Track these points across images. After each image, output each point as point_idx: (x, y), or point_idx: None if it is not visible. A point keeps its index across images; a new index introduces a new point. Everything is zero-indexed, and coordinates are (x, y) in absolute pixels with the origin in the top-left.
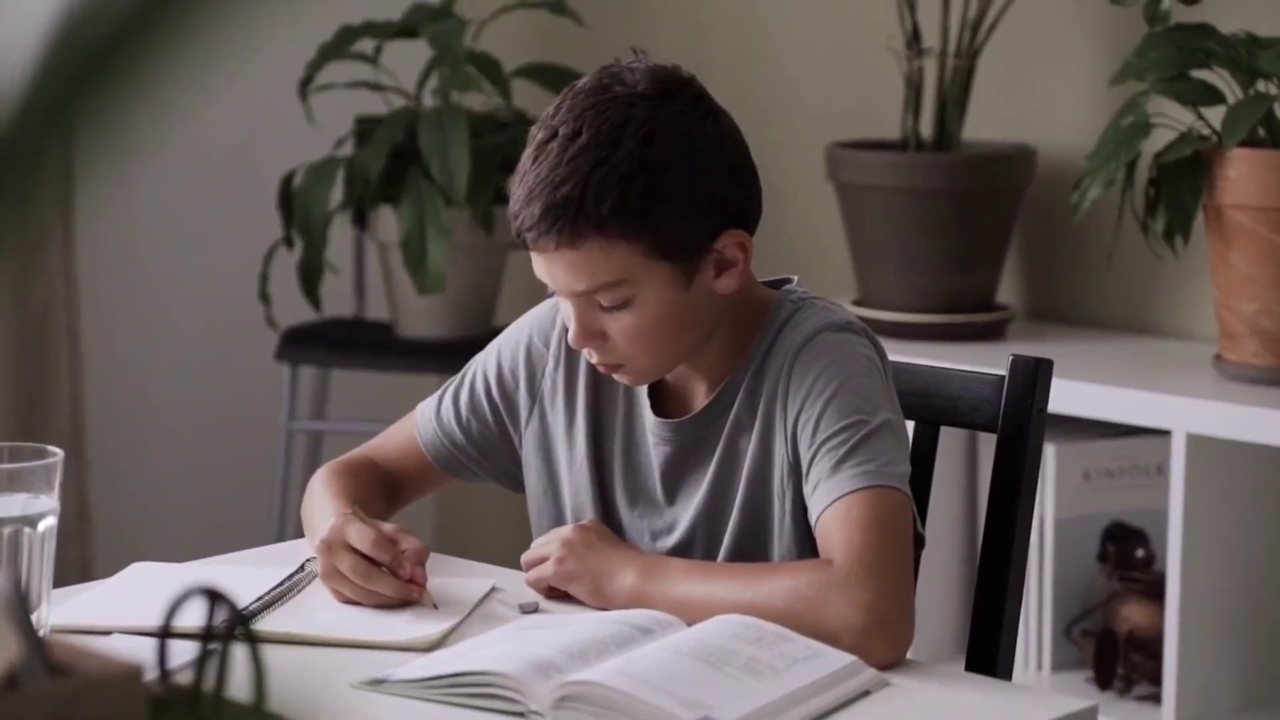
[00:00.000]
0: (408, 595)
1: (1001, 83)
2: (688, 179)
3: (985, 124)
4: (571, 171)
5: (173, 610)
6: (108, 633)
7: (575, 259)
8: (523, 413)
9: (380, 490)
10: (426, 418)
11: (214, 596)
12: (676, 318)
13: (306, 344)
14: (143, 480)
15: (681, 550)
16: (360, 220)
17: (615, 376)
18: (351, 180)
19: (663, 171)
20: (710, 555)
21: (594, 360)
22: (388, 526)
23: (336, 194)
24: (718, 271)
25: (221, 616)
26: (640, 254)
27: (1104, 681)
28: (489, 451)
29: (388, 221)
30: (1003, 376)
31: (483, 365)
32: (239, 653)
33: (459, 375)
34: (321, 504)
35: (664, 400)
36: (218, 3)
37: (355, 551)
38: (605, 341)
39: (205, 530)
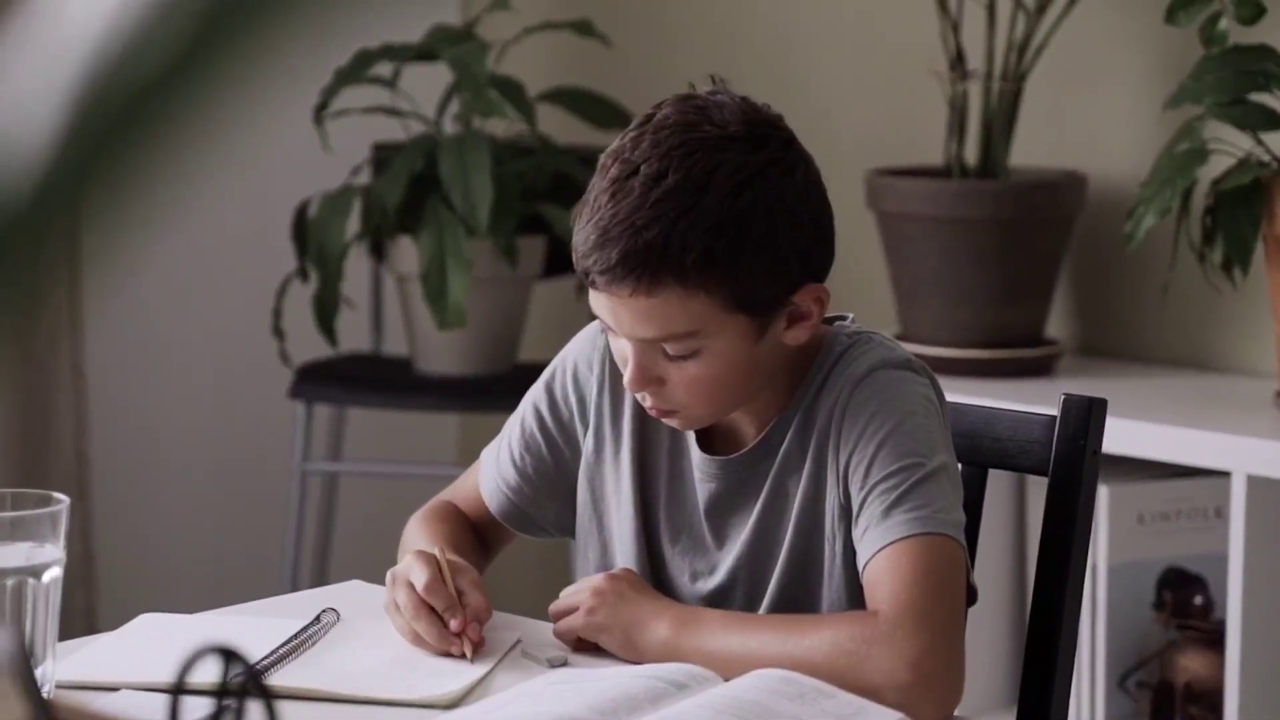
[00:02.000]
0: (445, 647)
1: (1050, 106)
2: (775, 233)
3: (1033, 150)
4: (656, 216)
5: (185, 669)
6: (115, 688)
7: (649, 306)
8: (578, 438)
9: (473, 537)
10: (489, 468)
11: (228, 655)
12: (742, 369)
13: (321, 381)
14: (150, 525)
15: (722, 594)
16: (378, 252)
17: (665, 421)
18: (368, 210)
19: (751, 224)
20: (753, 600)
21: (646, 404)
22: (469, 576)
23: (353, 224)
24: (790, 323)
25: (235, 674)
26: (718, 306)
27: None
28: (545, 488)
29: (406, 253)
30: (1054, 416)
31: (533, 401)
32: (254, 712)
33: (512, 419)
34: (413, 546)
35: (711, 436)
36: (239, 67)
37: (414, 589)
38: (662, 387)
39: (215, 577)
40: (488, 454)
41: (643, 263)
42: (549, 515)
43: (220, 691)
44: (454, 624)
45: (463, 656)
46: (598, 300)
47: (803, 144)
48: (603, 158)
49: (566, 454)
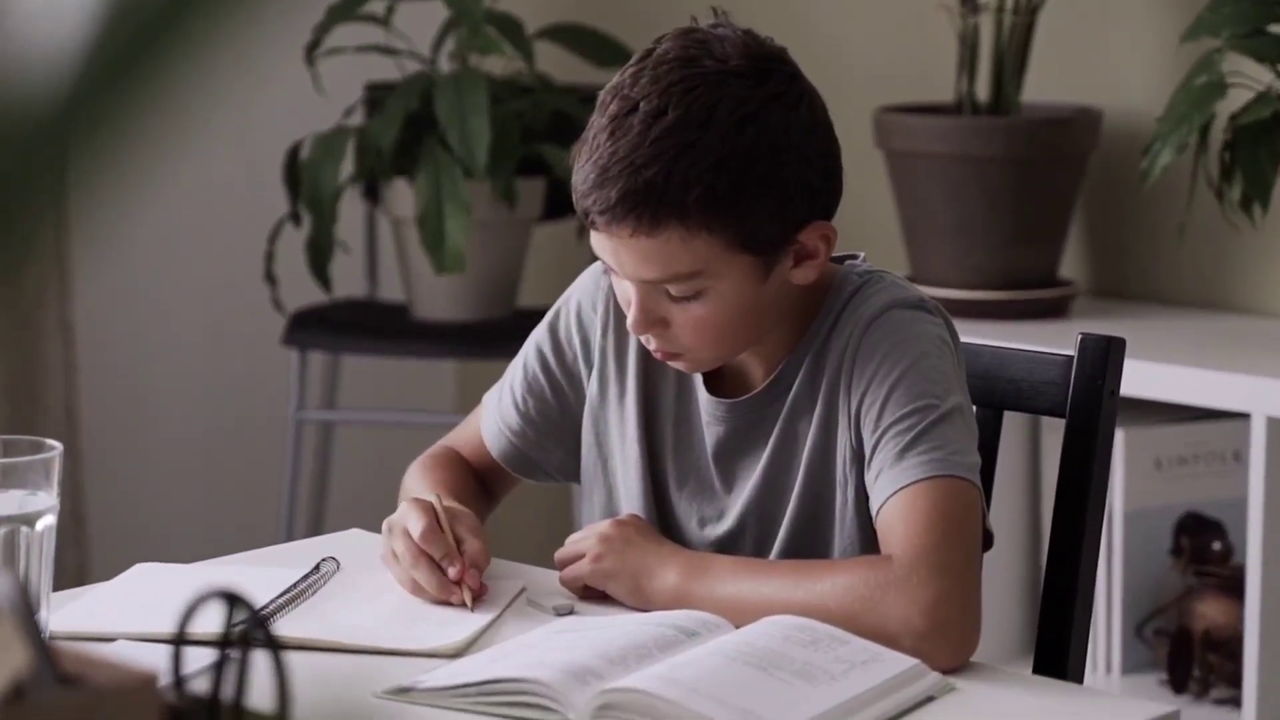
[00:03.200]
0: (445, 595)
1: (1064, 40)
2: (779, 169)
3: (1046, 85)
4: (656, 154)
5: (188, 615)
6: (111, 639)
7: (651, 247)
8: (583, 381)
9: (475, 484)
10: (490, 412)
11: (232, 599)
12: (748, 310)
13: (315, 328)
14: (141, 477)
15: (730, 540)
16: (372, 194)
17: (670, 364)
18: (363, 151)
19: (755, 161)
20: (762, 547)
21: (651, 347)
22: (467, 522)
23: (347, 166)
24: (796, 261)
25: (240, 620)
26: (722, 246)
27: (1179, 685)
28: (550, 431)
29: (402, 195)
30: (1071, 357)
31: (536, 343)
32: (260, 660)
33: (515, 361)
34: (412, 494)
35: (719, 378)
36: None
37: (411, 537)
38: (667, 329)
39: (208, 529)
40: (490, 397)
41: (643, 202)
42: (553, 459)
43: (224, 640)
44: (452, 572)
45: (463, 605)
46: (599, 241)
47: (809, 80)
48: (602, 94)
49: (570, 396)
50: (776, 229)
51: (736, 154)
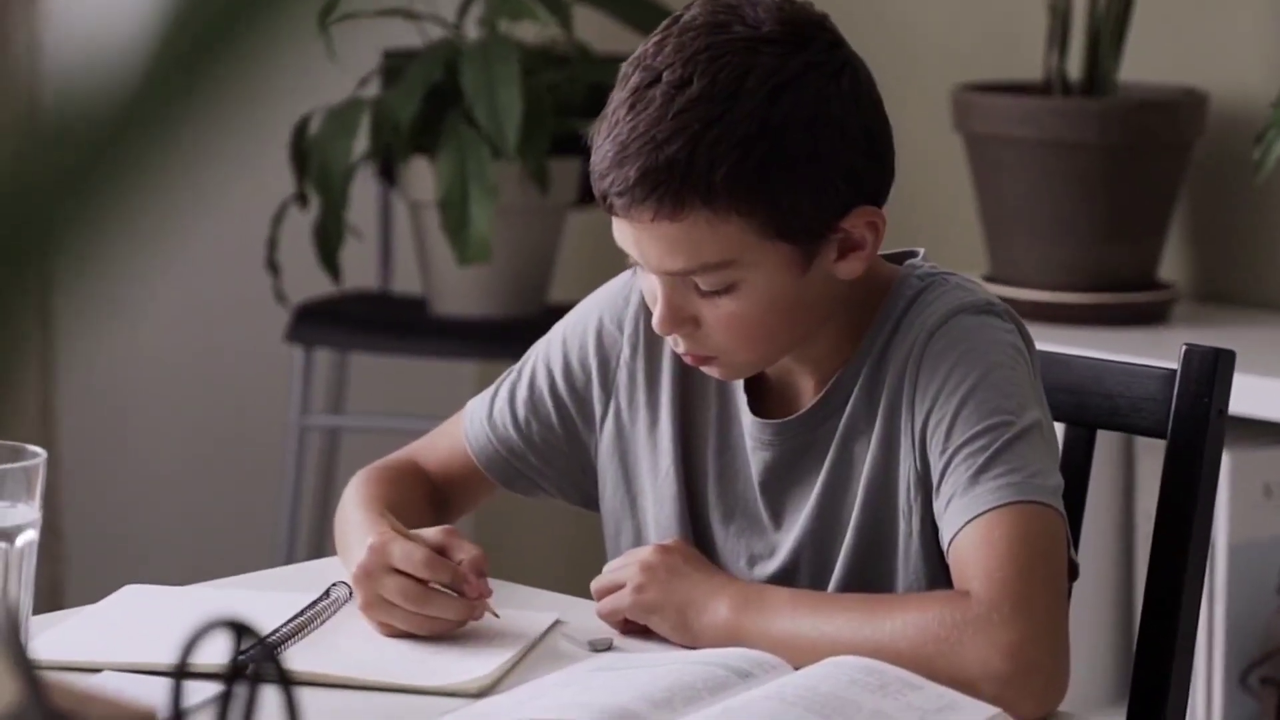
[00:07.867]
0: (470, 614)
1: (1168, 13)
2: (817, 146)
3: (1146, 63)
4: (678, 128)
5: (191, 645)
6: (97, 669)
7: (674, 233)
8: (596, 410)
9: (426, 499)
10: (477, 419)
11: (240, 630)
12: (787, 306)
13: (323, 322)
14: (126, 486)
15: (783, 577)
16: (388, 175)
17: (704, 369)
18: (378, 126)
19: (789, 135)
20: (819, 584)
21: (680, 350)
22: (430, 533)
23: (360, 143)
24: (841, 253)
25: (247, 651)
26: (754, 232)
27: None
28: (553, 459)
29: (422, 176)
30: (1174, 370)
31: (545, 356)
32: (268, 696)
33: (514, 368)
34: (353, 518)
35: (765, 396)
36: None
37: (402, 573)
38: (697, 329)
39: (200, 545)
40: (478, 406)
41: (664, 181)
42: (553, 482)
43: (230, 673)
44: (470, 589)
45: (495, 616)
46: (620, 229)
47: (880, 55)
48: (624, 66)
49: (579, 424)
50: (815, 213)
51: (769, 128)
